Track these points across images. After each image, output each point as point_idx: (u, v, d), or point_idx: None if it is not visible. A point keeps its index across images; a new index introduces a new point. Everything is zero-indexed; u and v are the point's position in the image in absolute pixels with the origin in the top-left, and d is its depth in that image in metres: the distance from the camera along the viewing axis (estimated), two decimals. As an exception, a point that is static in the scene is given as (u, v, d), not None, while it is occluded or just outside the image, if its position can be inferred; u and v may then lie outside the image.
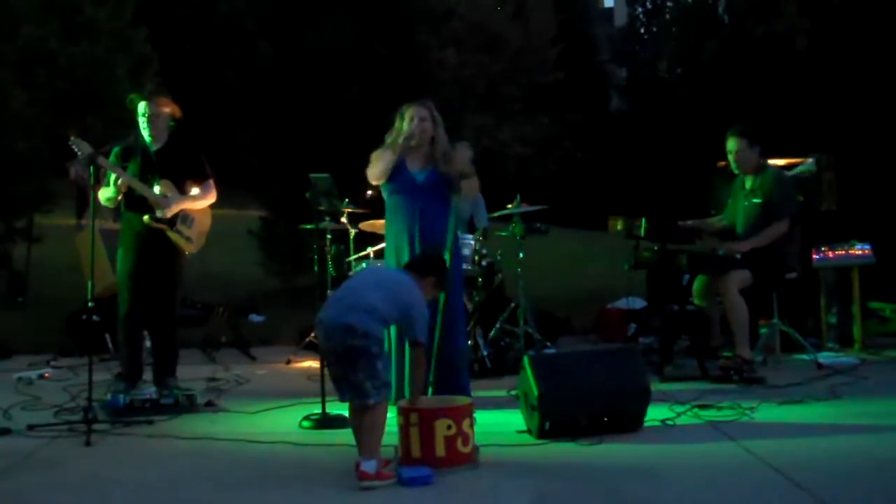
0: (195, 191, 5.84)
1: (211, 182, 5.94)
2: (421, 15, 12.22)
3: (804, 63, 12.42)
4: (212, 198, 5.95)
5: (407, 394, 4.63)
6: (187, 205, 5.79)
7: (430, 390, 4.81)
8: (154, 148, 5.76)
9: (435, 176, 5.37)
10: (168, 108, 5.80)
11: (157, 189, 5.68)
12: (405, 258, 5.19)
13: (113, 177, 5.59)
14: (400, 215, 5.41)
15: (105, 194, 5.66)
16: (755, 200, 6.45)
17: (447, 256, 5.00)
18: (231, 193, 6.10)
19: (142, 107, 5.74)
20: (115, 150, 5.72)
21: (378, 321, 3.95)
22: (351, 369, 3.90)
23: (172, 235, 5.73)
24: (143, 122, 5.74)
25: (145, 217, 5.65)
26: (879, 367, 6.56)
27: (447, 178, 5.33)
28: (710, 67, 18.10)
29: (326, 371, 4.16)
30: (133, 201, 5.70)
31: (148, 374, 5.92)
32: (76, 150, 5.42)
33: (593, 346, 7.87)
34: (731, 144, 6.51)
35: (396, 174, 5.41)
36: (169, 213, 5.68)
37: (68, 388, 6.05)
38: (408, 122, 5.37)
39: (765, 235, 6.33)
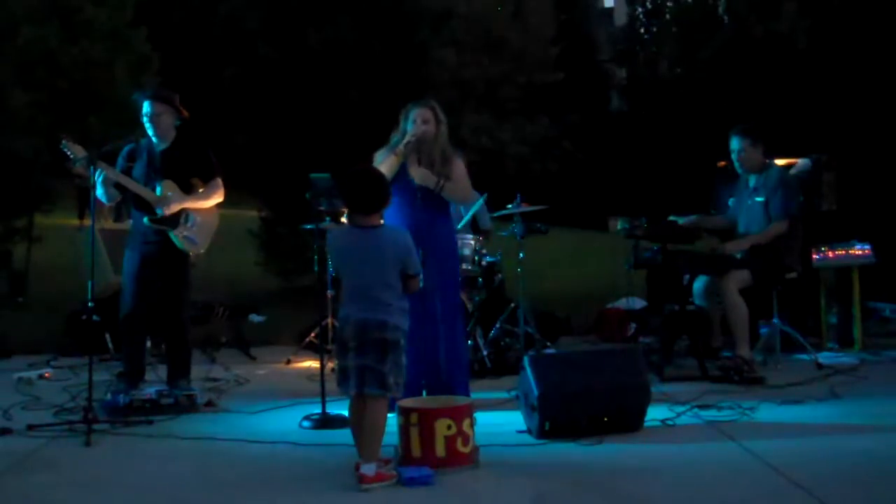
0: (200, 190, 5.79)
1: (218, 180, 5.85)
2: (420, 15, 12.21)
3: (804, 63, 12.42)
4: (219, 196, 5.87)
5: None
6: (189, 204, 5.73)
7: (423, 392, 4.83)
8: (160, 147, 5.71)
9: None
10: (170, 108, 5.75)
11: (159, 189, 5.65)
12: None
13: (98, 175, 5.44)
14: (396, 219, 5.39)
15: (96, 192, 5.60)
16: (758, 199, 6.45)
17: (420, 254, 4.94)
18: (231, 193, 6.06)
19: (144, 107, 5.72)
20: (123, 150, 5.71)
21: (403, 312, 4.01)
22: (380, 360, 3.90)
23: (174, 236, 5.69)
24: (146, 122, 5.71)
25: (145, 217, 5.63)
26: (879, 367, 6.56)
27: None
28: (710, 67, 18.06)
29: (334, 364, 4.14)
30: (140, 201, 5.67)
31: (148, 375, 5.92)
32: (68, 153, 5.40)
33: (593, 346, 7.87)
34: (735, 143, 6.51)
35: (396, 178, 5.38)
36: (168, 213, 5.64)
37: (68, 388, 6.05)
38: (410, 122, 5.36)
39: (765, 234, 6.34)
